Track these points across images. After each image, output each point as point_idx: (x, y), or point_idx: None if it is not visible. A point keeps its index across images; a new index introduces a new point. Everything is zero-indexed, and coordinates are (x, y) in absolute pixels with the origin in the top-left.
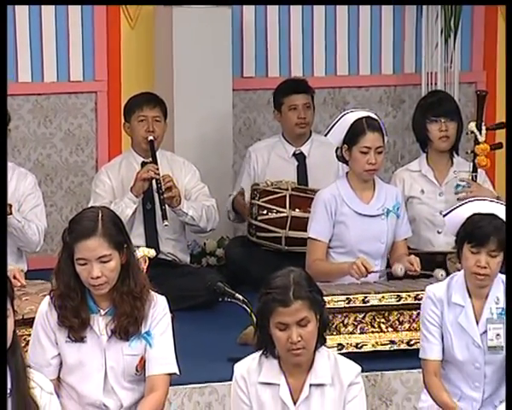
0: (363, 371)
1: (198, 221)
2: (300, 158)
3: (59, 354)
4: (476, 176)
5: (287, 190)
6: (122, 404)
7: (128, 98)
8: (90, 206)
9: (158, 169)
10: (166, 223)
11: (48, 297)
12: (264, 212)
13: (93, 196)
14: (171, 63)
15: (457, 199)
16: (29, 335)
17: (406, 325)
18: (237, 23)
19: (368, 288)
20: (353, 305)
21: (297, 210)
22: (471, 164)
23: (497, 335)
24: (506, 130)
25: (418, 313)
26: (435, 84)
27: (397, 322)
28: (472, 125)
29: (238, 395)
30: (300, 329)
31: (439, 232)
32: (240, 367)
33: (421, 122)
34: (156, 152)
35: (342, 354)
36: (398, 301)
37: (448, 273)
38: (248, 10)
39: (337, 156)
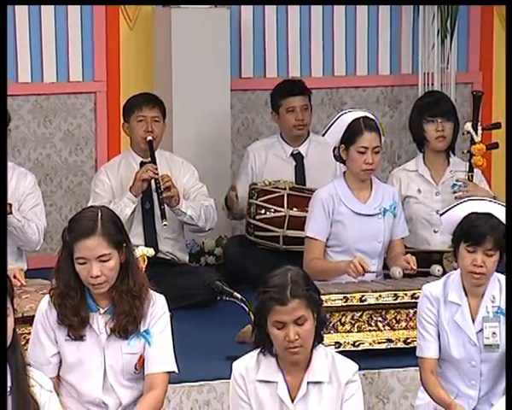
0: (360, 369)
1: (196, 221)
2: (298, 158)
3: (58, 353)
4: (472, 176)
5: (284, 189)
6: (121, 402)
7: (127, 99)
8: (89, 205)
9: (157, 169)
10: (165, 222)
11: (47, 296)
12: (262, 211)
13: (92, 195)
14: (169, 64)
15: (455, 198)
16: (29, 333)
17: (403, 324)
18: (235, 24)
19: (365, 287)
20: (351, 303)
21: (295, 209)
22: (467, 164)
23: (493, 333)
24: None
25: (415, 312)
26: (432, 84)
27: (394, 320)
28: (468, 126)
29: (237, 393)
30: (298, 327)
31: (435, 231)
32: (238, 365)
33: (418, 122)
34: (155, 152)
35: (340, 352)
36: (395, 299)
37: (445, 270)
38: (246, 11)
39: (334, 156)
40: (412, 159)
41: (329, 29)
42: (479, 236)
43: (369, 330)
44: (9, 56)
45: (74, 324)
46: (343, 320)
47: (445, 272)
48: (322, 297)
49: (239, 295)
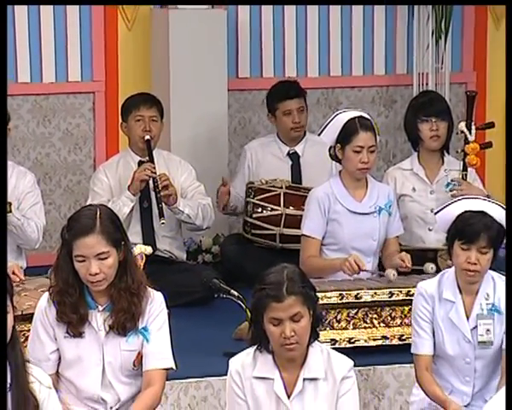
0: (355, 365)
1: (194, 219)
2: (294, 157)
3: (58, 350)
4: (466, 175)
5: (281, 188)
6: (119, 398)
7: (125, 98)
8: (88, 204)
9: (154, 168)
10: (163, 221)
11: (47, 293)
12: (259, 210)
13: (91, 194)
14: (167, 64)
15: (451, 196)
16: (28, 330)
17: (398, 321)
18: (232, 25)
19: (360, 284)
20: (346, 301)
21: (291, 208)
22: (461, 163)
23: (487, 330)
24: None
25: (410, 309)
26: (426, 84)
27: (389, 318)
28: (462, 125)
29: (233, 390)
30: (294, 324)
31: (430, 230)
32: (235, 362)
33: (413, 122)
34: (153, 151)
35: (335, 349)
36: (390, 297)
37: (438, 268)
38: (243, 12)
39: (330, 155)
40: (407, 158)
41: (325, 30)
42: (473, 234)
43: (365, 328)
44: (9, 57)
45: (73, 321)
46: (339, 317)
47: (438, 270)
48: (318, 294)
49: (236, 293)
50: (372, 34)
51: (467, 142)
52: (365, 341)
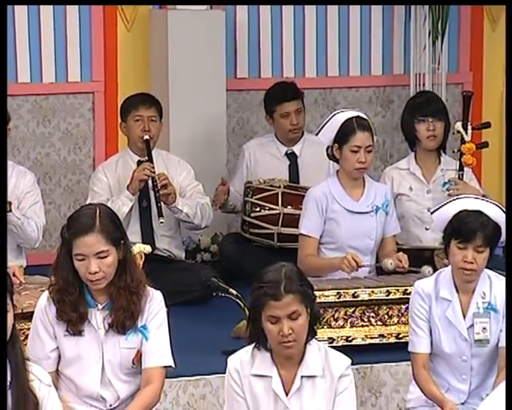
0: (353, 363)
1: (192, 218)
2: (292, 157)
3: (57, 348)
4: (463, 174)
5: (279, 187)
6: (119, 396)
7: (124, 98)
8: (87, 203)
9: (153, 168)
10: (162, 220)
11: (46, 292)
12: (257, 209)
13: (90, 193)
14: (166, 64)
15: (448, 195)
16: (28, 329)
17: (395, 319)
18: (231, 26)
19: (358, 283)
20: (344, 299)
21: (289, 207)
22: (458, 163)
23: (484, 328)
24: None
25: (407, 308)
26: (423, 84)
27: (386, 316)
28: (458, 125)
29: (232, 388)
30: (291, 322)
31: (426, 229)
32: (233, 360)
33: (410, 122)
34: (152, 151)
35: (333, 347)
36: (387, 295)
37: (435, 270)
38: (241, 13)
39: (328, 155)
40: (404, 158)
41: (323, 30)
42: (469, 233)
43: (362, 326)
44: (9, 57)
45: (73, 319)
46: (336, 316)
47: (435, 270)
48: (316, 293)
49: (234, 292)
50: (369, 35)
51: (463, 142)
52: (362, 339)
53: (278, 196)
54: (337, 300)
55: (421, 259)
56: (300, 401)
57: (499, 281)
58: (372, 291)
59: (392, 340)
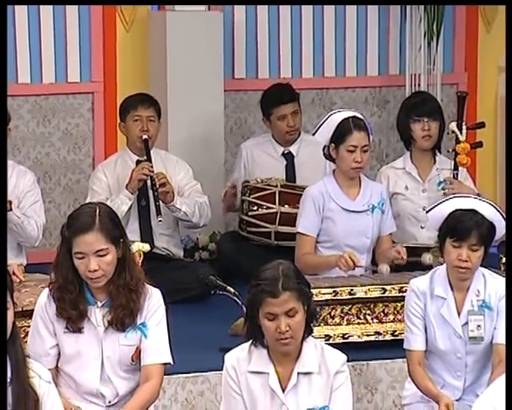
0: (349, 360)
1: (191, 217)
2: (289, 157)
3: (57, 345)
4: (457, 174)
5: (276, 186)
6: (118, 392)
7: (123, 99)
8: (87, 202)
9: (152, 167)
10: (160, 219)
11: (47, 289)
12: (255, 208)
13: (90, 192)
14: (164, 65)
15: (443, 194)
16: (28, 326)
17: (391, 317)
18: (228, 27)
19: (354, 281)
20: (340, 297)
21: (286, 206)
22: (452, 162)
23: (478, 326)
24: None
25: (402, 305)
26: (419, 85)
27: (382, 314)
28: (453, 125)
29: (229, 384)
30: (288, 319)
31: (422, 227)
32: (230, 357)
33: (405, 122)
34: (150, 150)
35: (329, 344)
36: (383, 293)
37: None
38: (239, 14)
39: (324, 155)
40: (400, 157)
41: (319, 32)
42: (464, 231)
43: (358, 323)
44: (9, 58)
45: (73, 317)
46: (333, 313)
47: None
48: (313, 291)
49: (232, 290)
50: (365, 36)
51: (458, 141)
52: (359, 336)
53: (275, 195)
54: (333, 297)
55: (417, 257)
56: (297, 398)
57: (493, 279)
58: (368, 289)
59: (388, 337)
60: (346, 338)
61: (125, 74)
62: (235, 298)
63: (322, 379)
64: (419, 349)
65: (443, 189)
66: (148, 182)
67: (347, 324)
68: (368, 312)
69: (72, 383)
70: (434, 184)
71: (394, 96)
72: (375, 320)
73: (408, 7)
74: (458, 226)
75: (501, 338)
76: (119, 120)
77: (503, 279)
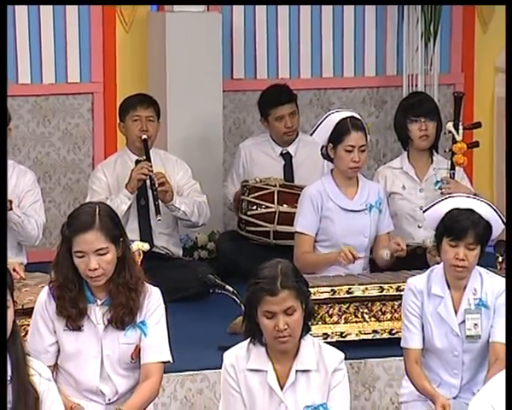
0: (347, 358)
1: (190, 216)
2: (287, 158)
3: (56, 342)
4: (454, 173)
5: (275, 186)
6: (117, 390)
7: (123, 99)
8: (87, 201)
9: (151, 167)
10: (160, 218)
11: (47, 287)
12: (254, 207)
13: (89, 192)
14: (164, 65)
15: (440, 194)
16: (28, 325)
17: (388, 315)
18: (227, 28)
19: (352, 280)
20: (338, 296)
21: (284, 205)
22: (449, 162)
23: (475, 324)
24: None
25: (400, 304)
26: (416, 85)
27: (379, 312)
28: (450, 125)
29: (227, 382)
30: (287, 317)
31: (419, 227)
32: (229, 355)
33: (403, 122)
34: (150, 150)
35: (327, 342)
36: (380, 292)
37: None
38: (238, 16)
39: (322, 154)
40: (397, 157)
41: (317, 33)
42: (461, 230)
43: (356, 322)
44: (10, 58)
45: (72, 315)
46: (331, 312)
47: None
48: (311, 290)
49: (231, 288)
50: (363, 37)
51: (454, 141)
52: (356, 335)
53: (274, 195)
54: (331, 296)
55: (414, 256)
56: (295, 395)
57: (490, 278)
58: (366, 288)
59: (386, 336)
60: (344, 336)
61: (125, 75)
62: (234, 297)
63: (321, 377)
64: (416, 348)
65: (440, 188)
66: (148, 181)
67: (345, 322)
68: (365, 310)
69: (71, 380)
70: (431, 183)
71: (392, 96)
72: (372, 319)
73: (405, 8)
74: (455, 226)
75: (498, 337)
76: (118, 120)
77: (500, 278)
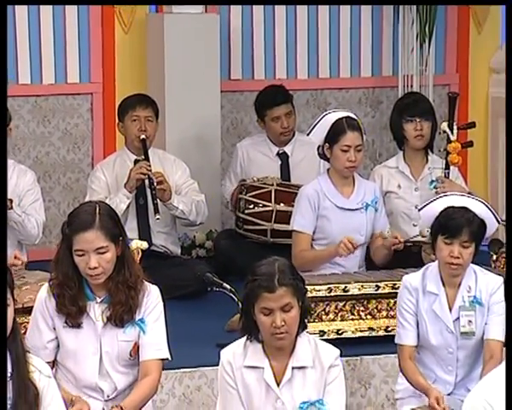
0: (343, 356)
1: (188, 215)
2: (284, 157)
3: (55, 338)
4: (449, 172)
5: (272, 185)
6: (116, 387)
7: (122, 99)
8: (87, 200)
9: (150, 166)
10: (158, 217)
11: (46, 284)
12: (251, 206)
13: (89, 191)
14: (162, 66)
15: (435, 193)
16: (28, 322)
17: (384, 313)
18: (225, 29)
19: (348, 278)
20: (334, 294)
21: (282, 204)
22: (444, 161)
23: (469, 321)
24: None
25: (395, 302)
26: (411, 86)
27: (375, 310)
28: (444, 125)
29: (224, 380)
30: (284, 314)
31: (414, 225)
32: (226, 353)
33: (398, 122)
34: (148, 150)
35: (324, 340)
36: (376, 290)
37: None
38: (235, 17)
39: (319, 154)
40: (393, 156)
41: (314, 34)
42: (455, 228)
43: (352, 319)
44: (10, 59)
45: (72, 312)
46: (327, 310)
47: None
48: (308, 288)
49: (228, 286)
50: (359, 38)
51: (449, 141)
52: (352, 332)
53: (271, 194)
54: (328, 294)
55: (409, 253)
56: (291, 392)
57: (484, 275)
58: (362, 286)
59: (381, 333)
60: (340, 334)
61: (124, 75)
62: (232, 295)
63: (316, 373)
64: (410, 344)
65: (435, 187)
66: (146, 181)
67: (341, 320)
68: (361, 308)
69: (71, 377)
70: (426, 182)
71: (387, 96)
72: (368, 316)
73: (401, 9)
74: (450, 223)
75: (492, 334)
76: (117, 120)
77: (494, 276)
